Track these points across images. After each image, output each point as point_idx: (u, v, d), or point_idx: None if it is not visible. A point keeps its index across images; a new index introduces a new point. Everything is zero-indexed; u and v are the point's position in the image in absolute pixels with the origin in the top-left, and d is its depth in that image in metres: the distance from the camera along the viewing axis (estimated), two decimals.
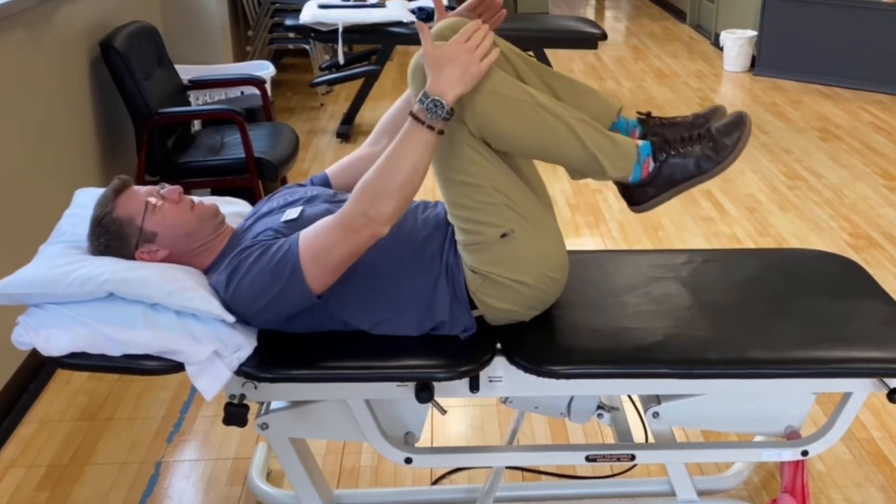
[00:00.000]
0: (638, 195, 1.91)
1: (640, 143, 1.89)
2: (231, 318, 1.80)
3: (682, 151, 1.87)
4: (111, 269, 1.79)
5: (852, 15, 5.99)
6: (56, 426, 2.69)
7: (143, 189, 1.95)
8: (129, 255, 1.90)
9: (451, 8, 2.10)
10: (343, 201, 1.97)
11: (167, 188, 1.94)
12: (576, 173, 1.93)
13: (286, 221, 1.90)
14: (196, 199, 2.00)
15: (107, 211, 1.90)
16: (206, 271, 1.93)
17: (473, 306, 1.91)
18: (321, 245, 1.76)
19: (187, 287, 1.79)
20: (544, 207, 1.95)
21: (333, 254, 1.76)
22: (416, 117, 1.72)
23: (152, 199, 1.91)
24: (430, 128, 1.71)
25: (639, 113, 2.05)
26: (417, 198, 1.98)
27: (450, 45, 1.72)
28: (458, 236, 1.88)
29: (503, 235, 1.84)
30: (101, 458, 2.54)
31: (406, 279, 1.89)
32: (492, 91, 1.77)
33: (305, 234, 1.78)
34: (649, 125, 2.02)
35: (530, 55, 2.02)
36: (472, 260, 1.87)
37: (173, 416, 2.73)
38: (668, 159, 1.87)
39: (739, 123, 1.88)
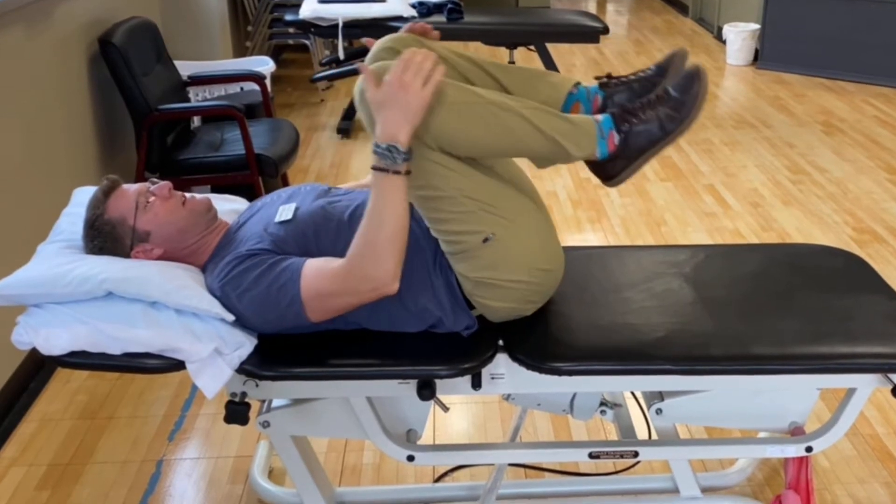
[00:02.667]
0: (610, 169, 1.88)
1: (600, 117, 1.86)
2: (230, 317, 1.79)
3: (643, 118, 1.84)
4: (109, 268, 1.78)
5: (856, 8, 5.97)
6: (56, 425, 2.68)
7: (133, 187, 1.93)
8: (124, 255, 1.89)
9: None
10: (337, 197, 1.96)
11: (157, 185, 1.93)
12: (543, 161, 1.87)
13: (280, 222, 1.89)
14: (188, 194, 1.99)
15: (98, 213, 1.89)
16: (203, 269, 1.92)
17: (471, 307, 1.90)
18: (324, 289, 1.75)
19: (186, 285, 1.78)
20: (526, 199, 1.90)
21: (337, 302, 1.77)
22: (378, 168, 1.69)
23: (142, 198, 1.89)
24: (396, 172, 1.69)
25: (597, 78, 2.01)
26: None
27: (386, 84, 1.67)
28: (443, 247, 1.85)
29: (485, 240, 1.80)
30: (102, 457, 2.54)
31: (407, 276, 1.87)
32: (438, 101, 1.72)
33: (309, 273, 1.76)
34: (610, 87, 1.99)
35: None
36: (461, 268, 1.85)
37: (174, 414, 2.72)
38: (631, 129, 1.84)
39: (694, 77, 1.85)
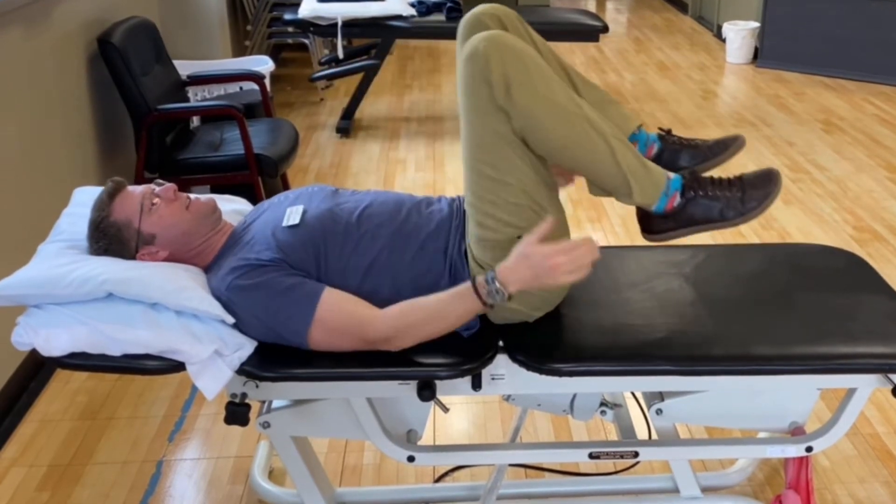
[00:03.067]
0: (656, 224, 1.92)
1: (672, 175, 1.90)
2: (231, 320, 1.79)
3: (710, 194, 1.88)
4: (110, 268, 1.78)
5: (856, 6, 5.96)
6: (57, 425, 2.68)
7: (138, 190, 1.93)
8: (129, 257, 1.89)
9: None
10: (345, 199, 1.96)
11: (161, 187, 1.93)
12: (598, 189, 1.93)
13: (289, 227, 1.88)
14: (192, 196, 1.99)
15: (103, 215, 1.89)
16: (207, 269, 1.92)
17: None
18: (338, 327, 1.78)
19: (187, 286, 1.78)
20: (561, 213, 1.94)
21: (342, 341, 1.80)
22: (476, 289, 1.74)
23: (147, 201, 1.89)
24: (484, 303, 1.75)
25: (659, 129, 2.06)
26: (419, 192, 1.97)
27: (545, 253, 1.70)
28: (473, 229, 1.86)
29: (519, 237, 1.82)
30: (103, 458, 2.53)
31: (409, 276, 1.88)
32: (545, 97, 1.76)
33: (325, 310, 1.78)
34: (668, 142, 2.03)
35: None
36: (482, 255, 1.86)
37: (174, 414, 2.72)
38: (695, 198, 1.88)
39: (771, 180, 1.89)
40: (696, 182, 1.89)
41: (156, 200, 1.90)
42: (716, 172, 1.99)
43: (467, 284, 1.76)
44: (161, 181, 1.97)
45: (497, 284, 1.72)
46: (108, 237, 1.89)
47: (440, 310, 1.77)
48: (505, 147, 1.79)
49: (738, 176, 1.92)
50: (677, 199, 1.88)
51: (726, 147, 2.02)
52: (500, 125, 1.77)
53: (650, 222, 1.93)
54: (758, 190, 1.88)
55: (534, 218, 1.83)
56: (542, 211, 1.84)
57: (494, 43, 1.74)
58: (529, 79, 1.75)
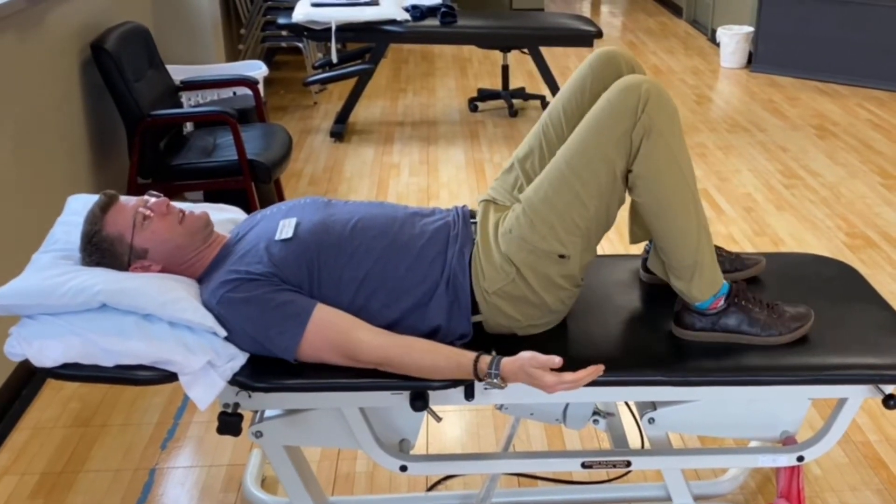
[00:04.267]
0: (691, 320, 1.96)
1: (724, 282, 1.95)
2: (223, 332, 1.79)
3: (749, 308, 1.94)
4: (104, 279, 1.78)
5: (850, 10, 5.98)
6: (49, 433, 2.67)
7: (131, 203, 1.93)
8: (122, 270, 1.89)
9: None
10: (338, 209, 1.96)
11: (153, 200, 1.93)
12: (659, 263, 1.99)
13: (282, 240, 1.88)
14: (186, 206, 1.99)
15: (96, 229, 1.89)
16: (200, 280, 1.92)
17: (475, 311, 1.90)
18: (326, 343, 1.80)
19: (180, 298, 1.78)
20: (594, 258, 2.00)
21: (330, 357, 1.82)
22: (476, 370, 1.76)
23: (139, 215, 1.89)
24: (478, 379, 1.77)
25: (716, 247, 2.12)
26: (413, 197, 1.98)
27: (548, 383, 1.73)
28: (517, 228, 1.89)
29: (561, 256, 1.88)
30: (95, 465, 2.53)
31: (402, 286, 1.88)
32: (675, 157, 1.83)
33: (314, 328, 1.79)
34: (721, 254, 2.15)
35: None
36: (512, 251, 1.88)
37: (167, 422, 2.72)
38: (736, 309, 1.93)
39: (806, 318, 1.96)
40: (742, 293, 1.95)
41: (149, 214, 1.90)
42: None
43: (469, 359, 1.76)
44: (155, 192, 1.97)
45: (498, 380, 1.75)
46: (101, 251, 1.89)
47: (432, 364, 1.78)
48: (607, 176, 1.84)
49: (776, 302, 1.98)
50: (721, 303, 1.93)
51: (745, 267, 2.18)
52: (617, 158, 1.83)
53: (687, 315, 1.96)
54: (794, 322, 1.94)
55: (579, 246, 1.88)
56: (589, 246, 1.91)
57: (658, 90, 1.82)
58: (671, 136, 1.82)
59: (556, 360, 1.72)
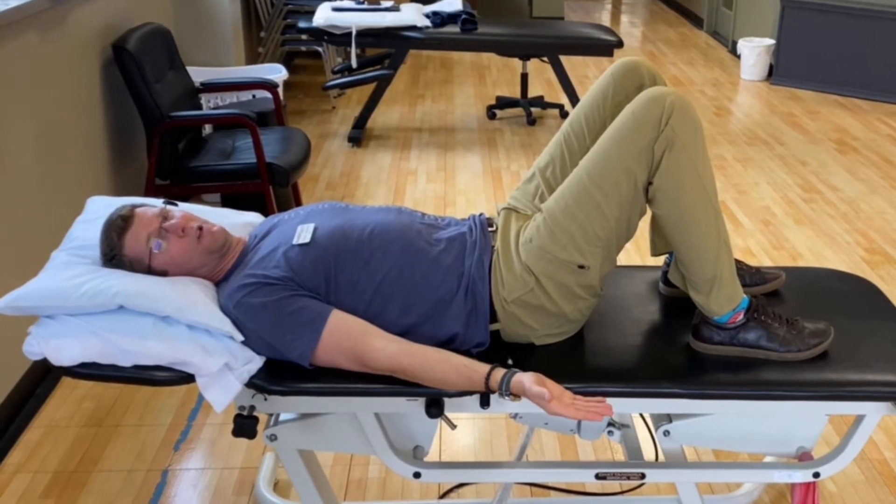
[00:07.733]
0: (709, 334, 1.95)
1: (745, 296, 1.94)
2: (240, 337, 1.80)
3: (769, 324, 1.92)
4: (122, 281, 1.79)
5: (872, 24, 5.95)
6: (62, 432, 2.68)
7: (146, 226, 1.89)
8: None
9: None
10: (355, 215, 1.96)
11: (171, 220, 1.90)
12: (678, 275, 1.97)
13: (300, 245, 1.88)
14: (203, 223, 1.94)
15: (115, 253, 1.90)
16: (218, 283, 1.92)
17: (493, 320, 1.90)
18: (340, 350, 1.80)
19: (198, 302, 1.79)
20: (613, 268, 2.00)
21: (345, 364, 1.81)
22: (488, 382, 1.74)
23: (154, 240, 1.88)
24: (492, 391, 1.76)
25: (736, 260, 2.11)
26: (429, 203, 1.98)
27: (554, 411, 1.69)
28: (538, 237, 1.88)
29: (580, 266, 1.87)
30: (108, 465, 2.54)
31: (418, 292, 1.88)
32: (697, 170, 1.82)
33: (329, 335, 1.79)
34: (742, 268, 2.15)
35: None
36: (534, 263, 1.88)
37: (181, 423, 2.72)
38: (755, 323, 1.92)
39: (825, 335, 1.94)
40: (762, 308, 1.94)
41: (165, 235, 1.88)
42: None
43: (481, 375, 1.75)
44: (171, 201, 1.96)
45: (508, 398, 1.74)
46: (122, 267, 1.91)
47: (443, 377, 1.77)
48: (628, 188, 1.84)
49: (796, 318, 1.97)
50: (740, 318, 1.92)
51: (765, 281, 2.16)
52: (639, 170, 1.82)
53: (704, 330, 1.95)
54: (812, 338, 1.93)
55: (599, 256, 1.88)
56: (609, 257, 1.90)
57: (683, 103, 1.81)
58: (694, 149, 1.82)
59: (546, 396, 1.68)
